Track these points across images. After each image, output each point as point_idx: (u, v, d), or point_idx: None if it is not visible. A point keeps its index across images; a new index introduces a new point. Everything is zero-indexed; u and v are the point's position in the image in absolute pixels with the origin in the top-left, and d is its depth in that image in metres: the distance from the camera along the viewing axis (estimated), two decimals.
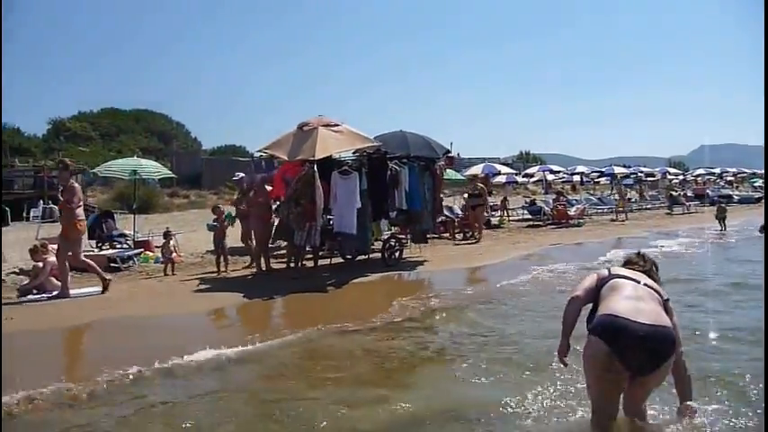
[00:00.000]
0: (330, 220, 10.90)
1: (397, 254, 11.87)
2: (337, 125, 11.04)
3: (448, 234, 16.52)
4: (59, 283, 9.01)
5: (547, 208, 21.20)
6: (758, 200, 32.71)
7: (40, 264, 9.14)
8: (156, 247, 13.17)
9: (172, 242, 11.41)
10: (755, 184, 42.21)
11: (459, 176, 22.85)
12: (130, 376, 5.09)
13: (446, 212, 16.35)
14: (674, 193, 28.84)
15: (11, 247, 11.33)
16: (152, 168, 15.44)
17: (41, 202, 24.81)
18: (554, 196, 22.76)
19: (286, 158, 10.87)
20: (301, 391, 4.82)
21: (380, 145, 11.42)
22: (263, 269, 10.96)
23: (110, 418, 4.31)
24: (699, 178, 40.17)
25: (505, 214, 22.17)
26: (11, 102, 78.20)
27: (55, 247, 9.37)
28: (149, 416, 4.36)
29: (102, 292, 9.05)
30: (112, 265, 11.26)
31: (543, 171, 29.81)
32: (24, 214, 23.69)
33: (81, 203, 9.10)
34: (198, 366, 5.43)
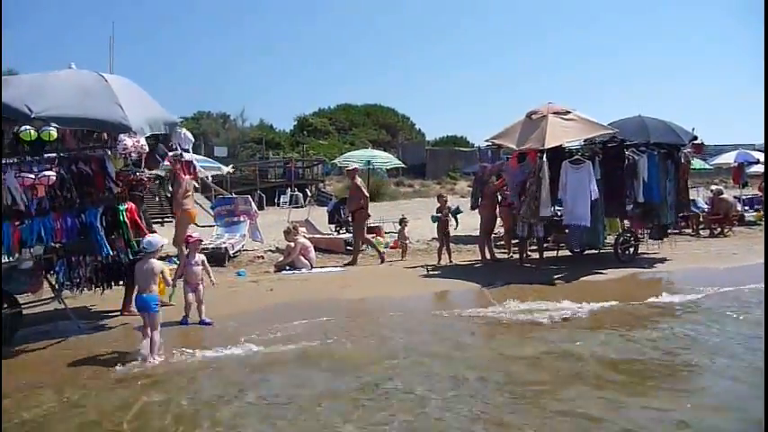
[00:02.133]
0: (558, 211, 10.46)
1: (631, 250, 10.96)
2: (568, 112, 10.52)
3: (690, 230, 14.82)
4: (307, 262, 10.14)
5: None
6: None
7: (292, 243, 10.32)
8: (386, 233, 14.03)
9: (406, 228, 11.94)
10: None
11: (705, 166, 20.26)
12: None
13: None
14: None
15: (266, 228, 12.92)
16: (384, 159, 16.49)
17: (289, 189, 28.13)
18: None
19: (514, 148, 10.68)
20: None
21: (616, 132, 10.60)
22: (488, 258, 10.99)
23: None
24: None
25: None
26: (268, 104, 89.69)
27: (304, 230, 10.50)
28: None
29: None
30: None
31: None
32: (276, 200, 27.07)
33: (188, 194, 8.72)
34: None
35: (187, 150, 8.76)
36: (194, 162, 10.71)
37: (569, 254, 11.51)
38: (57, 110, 5.93)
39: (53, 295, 6.55)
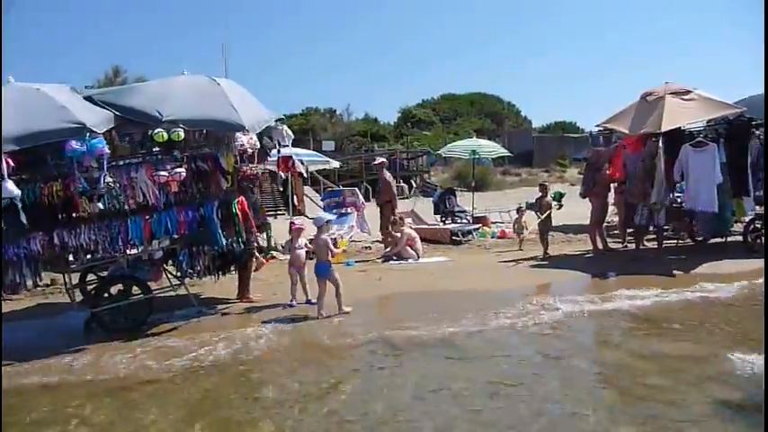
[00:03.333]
0: (678, 197, 9.80)
1: (762, 238, 10.05)
2: (688, 92, 9.80)
3: None
4: (414, 252, 10.31)
5: None
6: None
7: (399, 234, 10.47)
8: (493, 222, 13.85)
9: (524, 217, 11.55)
10: None
11: None
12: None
13: None
14: None
15: (373, 220, 13.14)
16: (489, 148, 16.27)
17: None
18: None
19: (627, 132, 10.12)
20: None
21: (743, 110, 9.72)
22: (599, 248, 10.53)
23: None
24: None
25: None
26: (371, 99, 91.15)
27: (410, 220, 10.61)
28: None
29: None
30: (454, 238, 12.17)
31: None
32: None
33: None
34: None
35: (286, 146, 9.23)
36: (293, 157, 11.29)
37: (691, 243, 10.76)
38: (182, 113, 6.50)
39: (170, 284, 7.14)
